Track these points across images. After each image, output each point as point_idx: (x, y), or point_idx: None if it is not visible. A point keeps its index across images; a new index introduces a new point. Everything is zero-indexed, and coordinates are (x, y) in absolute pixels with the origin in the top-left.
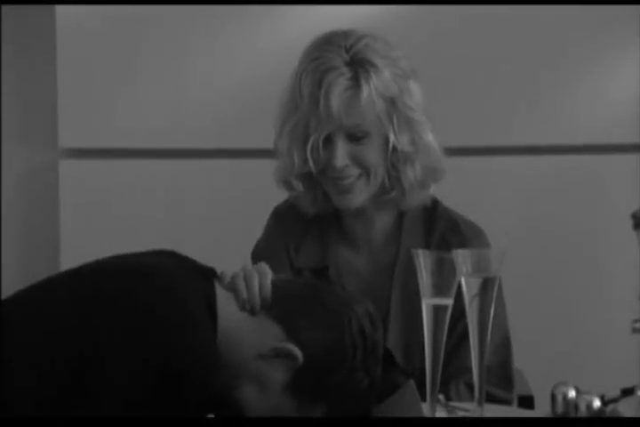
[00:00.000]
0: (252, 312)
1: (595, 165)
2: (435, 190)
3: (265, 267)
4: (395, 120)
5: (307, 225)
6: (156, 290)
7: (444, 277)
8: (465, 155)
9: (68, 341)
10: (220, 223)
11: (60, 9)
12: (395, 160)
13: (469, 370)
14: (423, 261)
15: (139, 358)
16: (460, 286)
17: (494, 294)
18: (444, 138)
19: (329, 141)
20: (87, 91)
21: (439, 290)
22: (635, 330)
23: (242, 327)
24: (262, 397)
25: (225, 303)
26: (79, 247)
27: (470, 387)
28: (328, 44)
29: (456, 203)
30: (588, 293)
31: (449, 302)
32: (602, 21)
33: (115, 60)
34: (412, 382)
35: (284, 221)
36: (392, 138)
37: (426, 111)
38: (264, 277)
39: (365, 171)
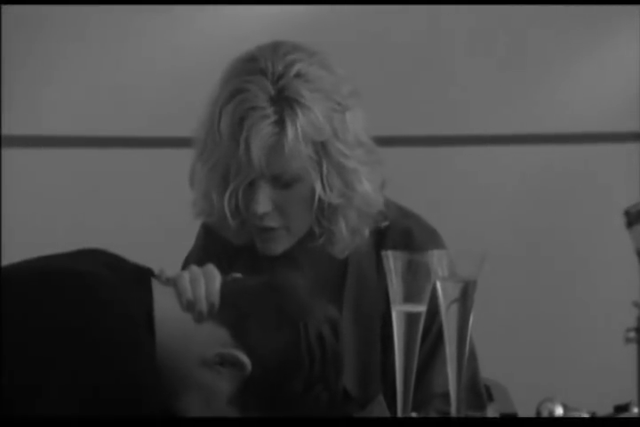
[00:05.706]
0: (199, 318)
1: (590, 155)
2: (423, 182)
3: (213, 269)
4: (324, 168)
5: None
6: (99, 314)
7: (417, 282)
8: (456, 144)
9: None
10: (165, 213)
11: None
12: (319, 212)
13: (438, 396)
14: (393, 263)
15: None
16: (434, 292)
17: (474, 299)
18: (435, 127)
19: (252, 185)
20: (29, 78)
21: (411, 296)
22: (628, 340)
23: (183, 332)
24: (206, 408)
25: (164, 306)
26: (21, 240)
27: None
28: (251, 72)
29: (446, 195)
30: (578, 298)
31: (422, 308)
32: (600, 7)
33: (56, 47)
34: (381, 399)
35: (214, 238)
36: (319, 189)
37: (369, 134)
38: (211, 281)
39: (287, 222)
